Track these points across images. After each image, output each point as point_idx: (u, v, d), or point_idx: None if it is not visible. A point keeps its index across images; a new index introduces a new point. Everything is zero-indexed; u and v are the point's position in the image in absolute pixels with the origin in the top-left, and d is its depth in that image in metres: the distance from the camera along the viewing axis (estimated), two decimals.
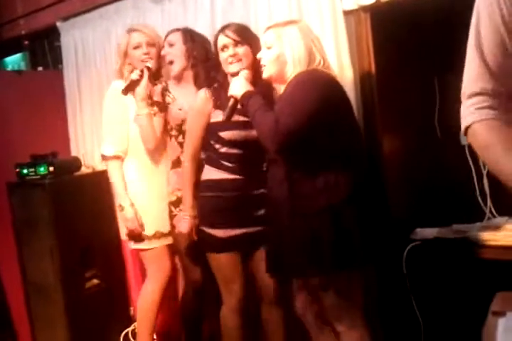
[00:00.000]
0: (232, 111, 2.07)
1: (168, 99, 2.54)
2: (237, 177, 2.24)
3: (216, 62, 2.30)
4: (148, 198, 2.62)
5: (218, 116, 2.23)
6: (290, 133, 1.78)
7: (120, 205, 2.61)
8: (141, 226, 2.60)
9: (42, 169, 3.02)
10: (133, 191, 2.62)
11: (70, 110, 3.60)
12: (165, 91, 2.56)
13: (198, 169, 2.34)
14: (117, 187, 2.62)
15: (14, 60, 4.17)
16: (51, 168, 3.01)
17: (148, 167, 2.62)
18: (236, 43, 2.19)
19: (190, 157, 2.33)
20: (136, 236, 2.62)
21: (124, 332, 3.21)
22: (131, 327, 3.25)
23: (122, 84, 2.57)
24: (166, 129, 2.56)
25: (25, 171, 3.05)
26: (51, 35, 3.69)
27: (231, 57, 2.19)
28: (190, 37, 2.52)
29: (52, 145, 3.28)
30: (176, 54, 2.50)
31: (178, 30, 2.56)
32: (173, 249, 2.67)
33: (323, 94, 1.85)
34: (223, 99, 2.19)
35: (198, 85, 2.48)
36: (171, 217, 2.54)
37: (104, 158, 2.66)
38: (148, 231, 2.60)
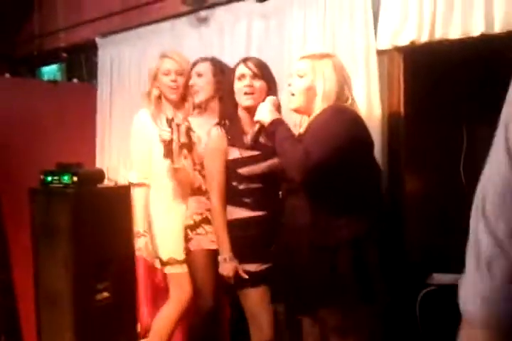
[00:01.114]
0: (257, 136, 2.06)
1: (194, 139, 2.53)
2: (259, 213, 2.25)
3: (229, 92, 2.29)
4: (172, 224, 2.63)
5: (232, 154, 2.23)
6: (319, 163, 1.78)
7: (139, 232, 2.72)
8: (151, 255, 2.66)
9: (66, 178, 3.04)
10: (158, 217, 2.67)
11: (99, 124, 3.68)
12: (189, 130, 2.55)
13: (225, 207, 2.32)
14: (137, 214, 2.71)
15: (51, 71, 4.28)
16: (75, 178, 3.04)
17: (170, 195, 2.65)
18: (254, 76, 2.21)
19: (219, 198, 2.28)
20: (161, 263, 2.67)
21: None
22: None
23: (148, 112, 2.64)
24: (194, 170, 2.56)
25: (49, 178, 3.08)
26: (89, 49, 3.79)
27: (246, 87, 2.20)
28: (220, 68, 2.52)
29: (77, 157, 3.32)
30: (203, 84, 2.51)
31: (206, 59, 2.58)
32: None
33: (351, 131, 1.87)
34: (236, 135, 2.20)
35: (223, 118, 2.48)
36: (187, 240, 2.54)
37: (131, 184, 2.73)
38: (178, 255, 2.61)
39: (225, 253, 2.27)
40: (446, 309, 2.31)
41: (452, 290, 2.40)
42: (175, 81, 2.61)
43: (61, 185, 3.07)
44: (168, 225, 2.64)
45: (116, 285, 3.16)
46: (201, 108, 2.59)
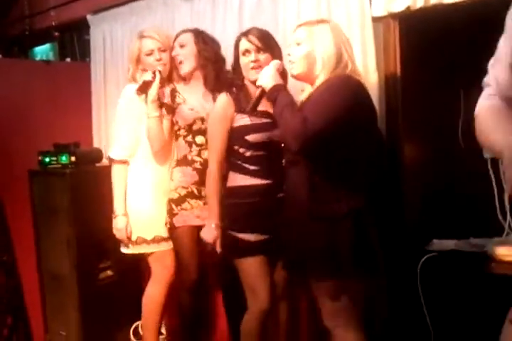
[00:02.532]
0: (258, 101, 2.04)
1: (178, 100, 2.55)
2: (264, 181, 2.24)
3: (235, 65, 2.29)
4: (150, 202, 2.60)
5: (242, 120, 2.23)
6: (317, 132, 1.76)
7: (114, 212, 2.61)
8: (129, 237, 2.60)
9: (64, 158, 3.05)
10: (135, 194, 2.61)
11: (94, 102, 3.64)
12: (174, 92, 2.56)
13: (223, 174, 2.32)
14: (116, 193, 2.60)
15: (43, 50, 4.22)
16: (73, 158, 3.04)
17: (153, 170, 2.61)
18: (258, 50, 2.20)
19: (217, 163, 2.29)
20: (124, 244, 2.65)
21: (134, 325, 3.25)
22: (141, 321, 3.29)
23: (135, 87, 2.58)
24: (172, 130, 2.56)
25: (47, 159, 3.09)
26: (81, 27, 3.73)
27: (252, 63, 2.20)
28: (202, 38, 2.54)
29: (74, 136, 3.32)
30: (187, 55, 2.52)
31: (188, 31, 2.58)
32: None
33: (353, 101, 1.84)
34: (244, 103, 2.19)
35: (208, 86, 2.52)
36: (172, 215, 2.54)
37: (110, 161, 2.65)
38: (148, 235, 2.60)
39: (213, 220, 2.29)
40: (447, 275, 2.34)
41: (453, 255, 2.43)
42: (160, 59, 2.57)
43: (59, 166, 3.08)
44: (148, 203, 2.60)
45: (119, 263, 3.19)
46: (186, 79, 2.60)
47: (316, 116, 1.77)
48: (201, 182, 2.50)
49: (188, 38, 2.54)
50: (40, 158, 3.11)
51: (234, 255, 2.29)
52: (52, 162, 3.09)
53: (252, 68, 2.20)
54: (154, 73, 2.51)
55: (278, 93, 1.92)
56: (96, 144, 3.61)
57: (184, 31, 2.59)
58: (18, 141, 3.25)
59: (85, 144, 3.40)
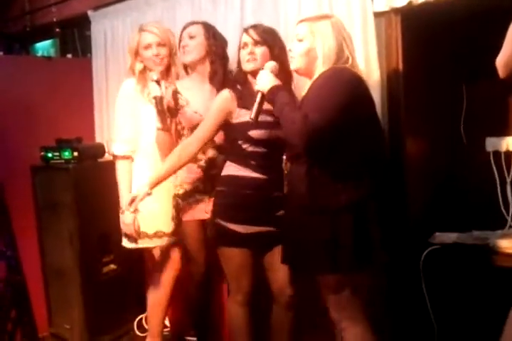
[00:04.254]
0: (260, 106, 2.04)
1: (181, 102, 2.53)
2: (262, 176, 2.25)
3: (238, 61, 2.30)
4: (152, 197, 2.50)
5: (246, 116, 2.22)
6: (319, 130, 1.77)
7: (121, 208, 2.58)
8: (138, 232, 2.57)
9: (66, 153, 3.06)
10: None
11: (96, 98, 3.65)
12: (176, 93, 2.53)
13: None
14: (122, 188, 2.58)
15: (44, 46, 4.23)
16: (75, 153, 3.05)
17: (155, 165, 2.56)
18: (255, 43, 2.21)
19: (196, 151, 2.28)
20: (133, 239, 2.62)
21: (138, 318, 3.27)
22: (145, 314, 3.30)
23: (134, 82, 2.57)
24: (176, 130, 2.56)
25: (49, 155, 3.10)
26: (82, 23, 3.74)
27: (248, 55, 2.21)
28: (213, 33, 2.53)
29: (77, 132, 3.33)
30: (196, 46, 2.51)
31: (198, 22, 2.57)
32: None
33: (350, 93, 1.85)
34: (247, 98, 2.20)
35: (215, 83, 2.50)
36: (178, 210, 2.57)
37: (114, 157, 2.63)
38: (149, 230, 2.59)
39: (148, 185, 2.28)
40: (450, 268, 2.36)
41: (455, 248, 2.45)
42: (157, 54, 2.55)
43: (62, 161, 3.08)
44: (155, 198, 2.53)
45: (122, 257, 3.21)
46: (188, 71, 2.59)
47: (316, 112, 1.78)
48: (206, 178, 2.53)
49: (199, 30, 2.53)
50: (42, 153, 3.12)
51: (219, 243, 2.30)
52: (55, 157, 3.10)
53: (247, 60, 2.22)
54: (158, 83, 2.48)
55: (276, 94, 1.94)
56: (98, 139, 3.62)
57: (194, 23, 2.58)
58: (20, 137, 3.26)
59: (87, 139, 3.41)
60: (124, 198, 2.57)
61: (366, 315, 2.03)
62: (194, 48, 2.52)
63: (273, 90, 1.96)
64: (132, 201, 2.29)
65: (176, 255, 2.67)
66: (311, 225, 1.92)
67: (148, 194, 2.27)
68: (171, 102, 2.51)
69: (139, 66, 2.59)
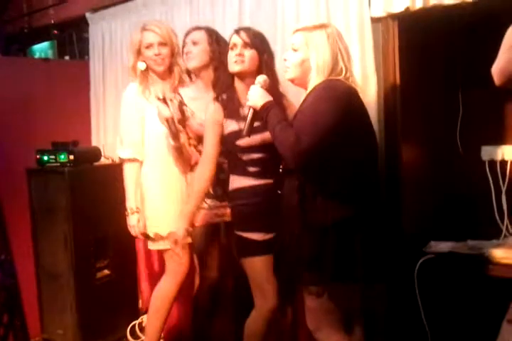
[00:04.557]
0: (252, 122, 2.04)
1: (187, 114, 2.52)
2: (264, 181, 2.25)
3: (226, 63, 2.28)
4: (165, 200, 2.61)
5: (230, 126, 2.23)
6: (310, 151, 1.79)
7: (127, 210, 2.63)
8: (144, 233, 2.61)
9: (62, 157, 3.04)
10: (151, 192, 2.61)
11: (93, 101, 3.64)
12: (182, 105, 2.53)
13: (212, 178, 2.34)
14: (128, 190, 2.61)
15: (42, 48, 4.22)
16: (71, 157, 3.04)
17: (165, 169, 2.61)
18: (245, 45, 2.20)
19: (211, 167, 2.30)
20: (145, 238, 2.66)
21: (131, 325, 3.25)
22: (139, 320, 3.29)
23: (136, 85, 2.57)
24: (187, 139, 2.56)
25: (45, 158, 3.08)
26: (80, 26, 3.74)
27: (236, 57, 2.20)
28: (216, 38, 2.51)
29: (73, 135, 3.32)
30: (199, 52, 2.50)
31: (200, 28, 2.55)
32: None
33: (343, 110, 1.83)
34: (233, 108, 2.21)
35: (218, 89, 2.46)
36: None
37: (121, 160, 2.65)
38: (163, 232, 2.60)
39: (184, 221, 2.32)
40: (444, 277, 2.34)
41: (450, 257, 2.43)
42: (159, 54, 2.55)
43: (57, 164, 3.07)
44: (163, 200, 2.61)
45: (116, 262, 3.20)
46: (191, 77, 2.58)
47: (307, 135, 1.79)
48: (215, 183, 2.52)
49: (202, 36, 2.51)
50: (38, 156, 3.11)
51: (242, 254, 2.29)
52: (51, 160, 3.08)
53: (235, 62, 2.20)
54: (165, 102, 2.48)
55: (268, 112, 1.95)
56: (94, 143, 3.61)
57: (197, 28, 2.56)
58: (16, 139, 3.24)
59: (84, 143, 3.40)
60: (130, 200, 2.62)
61: (343, 327, 2.04)
62: (197, 55, 2.50)
63: (265, 107, 1.97)
64: (176, 241, 2.32)
65: (185, 258, 2.62)
66: (299, 238, 1.93)
67: (188, 231, 2.31)
68: (178, 114, 2.50)
69: (141, 65, 2.58)
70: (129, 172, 2.61)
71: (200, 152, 2.51)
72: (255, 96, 2.01)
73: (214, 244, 2.55)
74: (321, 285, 1.93)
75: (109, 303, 3.15)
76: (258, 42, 2.22)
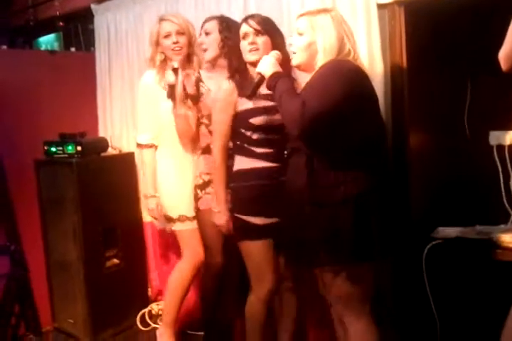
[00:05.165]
0: (257, 87, 2.06)
1: (202, 90, 2.56)
2: (270, 164, 2.25)
3: (239, 50, 2.29)
4: (175, 184, 2.67)
5: (245, 104, 2.23)
6: (316, 116, 1.76)
7: (145, 194, 2.75)
8: (162, 215, 2.71)
9: (70, 148, 3.07)
10: (162, 177, 2.69)
11: (99, 92, 3.64)
12: (199, 81, 2.58)
13: (227, 160, 2.34)
14: (147, 176, 2.73)
15: (48, 40, 4.22)
16: (79, 148, 3.06)
17: (179, 154, 2.67)
18: (257, 33, 2.21)
19: (221, 150, 2.32)
20: (161, 221, 2.75)
21: (141, 313, 3.28)
22: (148, 308, 3.32)
23: (154, 73, 2.64)
24: (198, 118, 2.58)
25: (53, 149, 3.11)
26: (85, 17, 3.72)
27: (250, 45, 2.21)
28: (227, 25, 2.52)
29: (80, 126, 3.34)
30: (211, 42, 2.52)
31: (214, 18, 2.57)
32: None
33: (350, 83, 1.83)
34: (247, 87, 2.18)
35: (232, 73, 2.47)
36: (197, 199, 2.58)
37: (139, 146, 2.73)
38: (174, 214, 2.68)
39: (219, 206, 2.33)
40: (452, 262, 2.34)
41: (458, 243, 2.43)
42: (177, 42, 2.62)
43: (65, 155, 3.08)
44: (176, 183, 2.67)
45: (125, 251, 3.22)
46: (210, 65, 2.60)
47: (314, 100, 1.78)
48: None
49: (213, 26, 2.53)
50: (46, 147, 3.13)
51: (241, 238, 2.30)
52: (58, 152, 3.11)
53: (250, 50, 2.21)
54: (175, 71, 2.50)
55: (277, 80, 1.94)
56: (101, 134, 3.62)
57: (210, 18, 2.58)
58: (24, 131, 3.26)
59: (91, 134, 3.41)
60: (149, 185, 2.72)
61: (369, 309, 2.02)
62: (210, 45, 2.53)
63: (274, 76, 1.97)
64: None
65: (199, 245, 2.67)
66: (310, 218, 1.90)
67: (224, 209, 2.32)
68: (193, 89, 2.54)
69: (160, 56, 2.66)
70: (147, 158, 2.72)
71: (210, 132, 2.51)
72: (267, 64, 2.02)
73: (217, 229, 2.50)
74: (341, 264, 1.91)
75: (119, 292, 3.17)
76: (269, 27, 2.23)
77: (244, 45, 2.24)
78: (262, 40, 2.21)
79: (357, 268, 1.94)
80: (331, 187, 1.88)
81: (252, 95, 2.08)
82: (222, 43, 2.50)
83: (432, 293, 2.35)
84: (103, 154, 3.25)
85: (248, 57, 2.24)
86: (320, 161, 1.90)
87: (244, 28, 2.24)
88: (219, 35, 2.51)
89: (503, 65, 1.55)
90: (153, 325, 3.17)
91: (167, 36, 2.63)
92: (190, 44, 2.65)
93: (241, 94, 2.25)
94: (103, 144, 3.27)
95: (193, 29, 2.69)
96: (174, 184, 2.67)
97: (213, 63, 2.58)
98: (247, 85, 2.16)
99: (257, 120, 2.22)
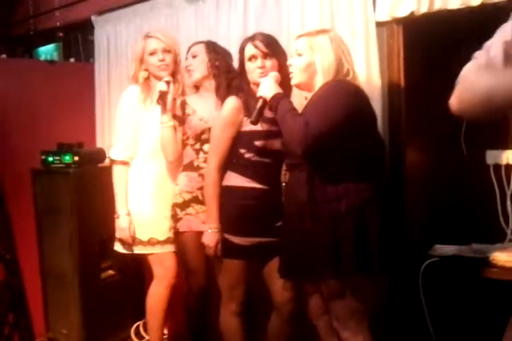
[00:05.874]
0: (260, 112, 2.06)
1: (188, 111, 2.55)
2: (263, 187, 2.25)
3: (241, 70, 2.30)
4: (148, 204, 2.62)
5: (253, 125, 2.20)
6: (319, 136, 1.81)
7: (116, 213, 2.62)
8: (133, 237, 2.60)
9: (67, 158, 3.06)
10: (134, 195, 2.62)
11: (98, 103, 3.66)
12: (184, 104, 2.57)
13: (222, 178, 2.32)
14: (118, 193, 2.61)
15: (47, 50, 4.23)
16: (76, 158, 3.05)
17: (157, 171, 2.62)
18: (265, 55, 2.21)
19: (217, 167, 2.28)
20: (127, 245, 2.65)
21: (135, 325, 3.26)
22: (143, 321, 3.29)
23: (138, 90, 2.59)
24: (182, 140, 2.57)
25: (50, 159, 3.10)
26: (85, 28, 3.75)
27: (259, 69, 2.21)
28: (213, 48, 2.55)
29: (78, 136, 3.33)
30: (198, 64, 2.53)
31: (201, 42, 2.60)
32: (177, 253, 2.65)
33: (351, 103, 1.89)
34: (252, 106, 2.19)
35: (220, 95, 2.50)
36: (176, 220, 2.53)
37: (112, 161, 2.66)
38: (144, 237, 2.60)
39: (212, 224, 2.28)
40: (449, 280, 2.35)
41: (454, 261, 2.43)
42: (163, 60, 2.57)
43: (62, 165, 3.08)
44: (151, 202, 2.61)
45: (121, 263, 3.20)
46: (196, 88, 2.62)
47: (317, 119, 1.82)
48: None
49: (200, 49, 2.56)
50: (43, 157, 3.12)
51: (222, 254, 2.29)
52: (56, 161, 3.10)
53: (260, 74, 2.20)
54: (168, 83, 2.50)
55: (278, 101, 1.97)
56: (99, 144, 3.62)
57: (197, 43, 2.62)
58: (21, 141, 3.27)
59: (89, 144, 3.41)
60: (121, 203, 2.61)
61: (367, 326, 2.03)
62: (197, 66, 2.54)
63: (276, 97, 2.00)
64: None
65: (171, 263, 2.65)
66: (312, 232, 1.93)
67: (216, 229, 2.27)
68: (179, 111, 2.53)
69: (143, 74, 2.61)
70: (119, 175, 2.62)
71: (197, 151, 2.53)
72: (267, 87, 2.04)
73: (199, 251, 2.45)
74: (344, 278, 1.92)
75: (114, 303, 3.16)
76: (275, 49, 2.24)
77: (252, 68, 2.23)
78: (270, 63, 2.22)
79: (356, 281, 1.96)
80: (333, 201, 1.91)
81: (256, 121, 2.08)
82: (210, 63, 2.51)
83: (428, 310, 2.35)
84: (100, 165, 3.24)
85: (256, 79, 2.21)
86: (321, 176, 1.94)
87: (251, 50, 2.23)
88: (206, 57, 2.53)
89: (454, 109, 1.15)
90: (147, 337, 3.15)
91: (152, 53, 2.58)
92: (176, 62, 2.62)
93: (247, 114, 2.23)
94: (100, 155, 3.27)
95: (179, 48, 2.66)
96: (148, 203, 2.61)
97: (200, 84, 2.59)
98: (253, 105, 2.17)
99: (262, 143, 2.23)
